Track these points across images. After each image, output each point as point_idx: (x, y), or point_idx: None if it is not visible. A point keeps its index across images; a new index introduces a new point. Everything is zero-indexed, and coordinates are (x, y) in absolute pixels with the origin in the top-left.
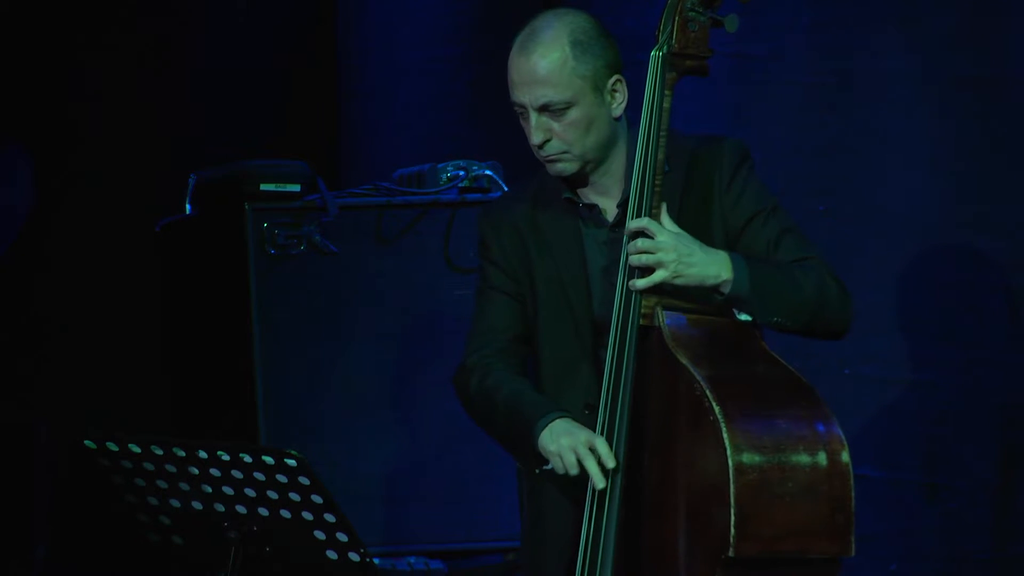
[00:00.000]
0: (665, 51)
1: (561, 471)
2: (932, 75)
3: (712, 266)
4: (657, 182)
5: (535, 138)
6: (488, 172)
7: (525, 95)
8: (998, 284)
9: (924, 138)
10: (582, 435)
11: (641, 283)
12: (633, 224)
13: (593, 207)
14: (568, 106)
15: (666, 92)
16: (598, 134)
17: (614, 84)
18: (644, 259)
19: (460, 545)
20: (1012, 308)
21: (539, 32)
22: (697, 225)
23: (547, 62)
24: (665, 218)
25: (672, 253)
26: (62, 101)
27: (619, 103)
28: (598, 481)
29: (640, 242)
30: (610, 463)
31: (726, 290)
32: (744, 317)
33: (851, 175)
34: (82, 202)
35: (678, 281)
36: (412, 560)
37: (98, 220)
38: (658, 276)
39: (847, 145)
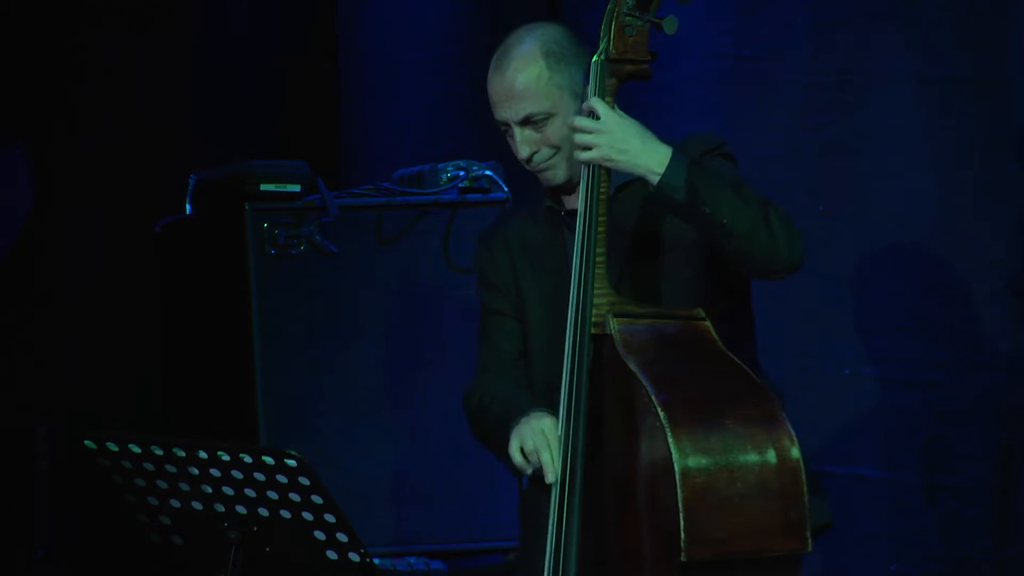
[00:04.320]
0: (603, 58)
1: (517, 457)
2: (932, 75)
3: (645, 156)
4: (602, 191)
5: (522, 152)
6: (488, 172)
7: (506, 111)
8: (998, 284)
9: (924, 138)
10: (544, 421)
11: (581, 155)
12: (585, 104)
13: (575, 212)
14: (549, 116)
15: (607, 99)
16: None
17: None
18: (581, 138)
19: (460, 545)
20: (1012, 308)
21: (512, 48)
22: (659, 226)
23: (523, 76)
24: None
25: (606, 137)
26: (62, 101)
27: None
28: (548, 474)
29: (580, 120)
30: (553, 447)
31: (654, 180)
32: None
33: (851, 175)
34: (82, 202)
35: (608, 164)
36: (412, 560)
37: (98, 220)
38: (588, 155)
39: (847, 145)
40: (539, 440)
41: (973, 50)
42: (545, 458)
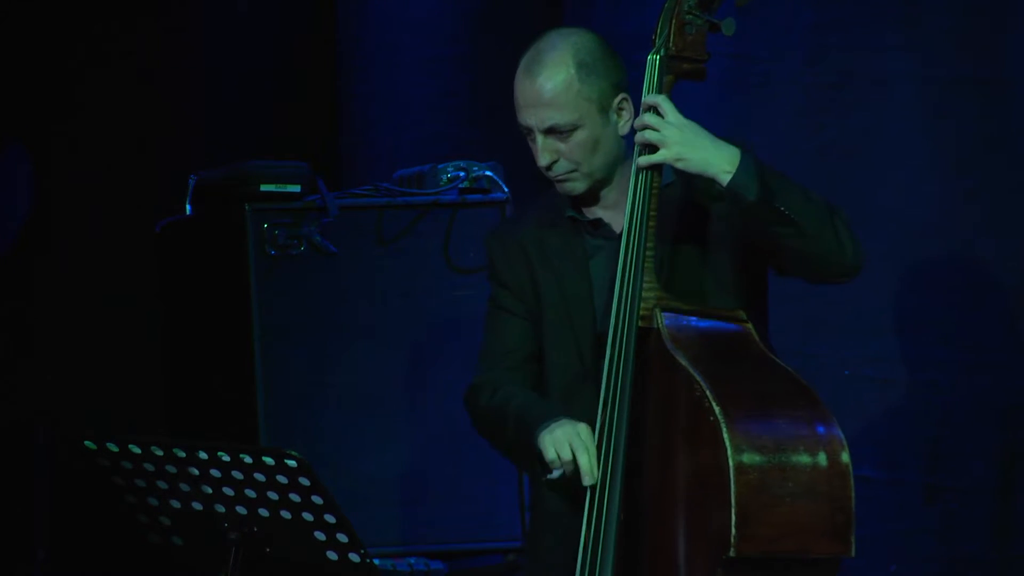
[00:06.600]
0: (663, 54)
1: (552, 457)
2: (932, 75)
3: (716, 155)
4: (655, 185)
5: (543, 160)
6: (488, 172)
7: (531, 118)
8: (999, 285)
9: (924, 138)
10: (580, 426)
11: (643, 160)
12: (648, 98)
13: (598, 222)
14: (574, 128)
15: (663, 95)
16: (605, 154)
17: (620, 103)
18: (649, 136)
19: (460, 545)
20: (1012, 309)
21: (544, 54)
22: (700, 227)
23: (552, 85)
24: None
25: (677, 134)
26: (62, 101)
27: (625, 121)
28: (586, 477)
29: (648, 117)
30: (591, 450)
31: (725, 179)
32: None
33: (851, 175)
34: (82, 202)
35: (679, 164)
36: (412, 560)
37: (98, 220)
38: (660, 156)
39: (847, 146)
40: (577, 443)
41: (973, 50)
42: (584, 461)
